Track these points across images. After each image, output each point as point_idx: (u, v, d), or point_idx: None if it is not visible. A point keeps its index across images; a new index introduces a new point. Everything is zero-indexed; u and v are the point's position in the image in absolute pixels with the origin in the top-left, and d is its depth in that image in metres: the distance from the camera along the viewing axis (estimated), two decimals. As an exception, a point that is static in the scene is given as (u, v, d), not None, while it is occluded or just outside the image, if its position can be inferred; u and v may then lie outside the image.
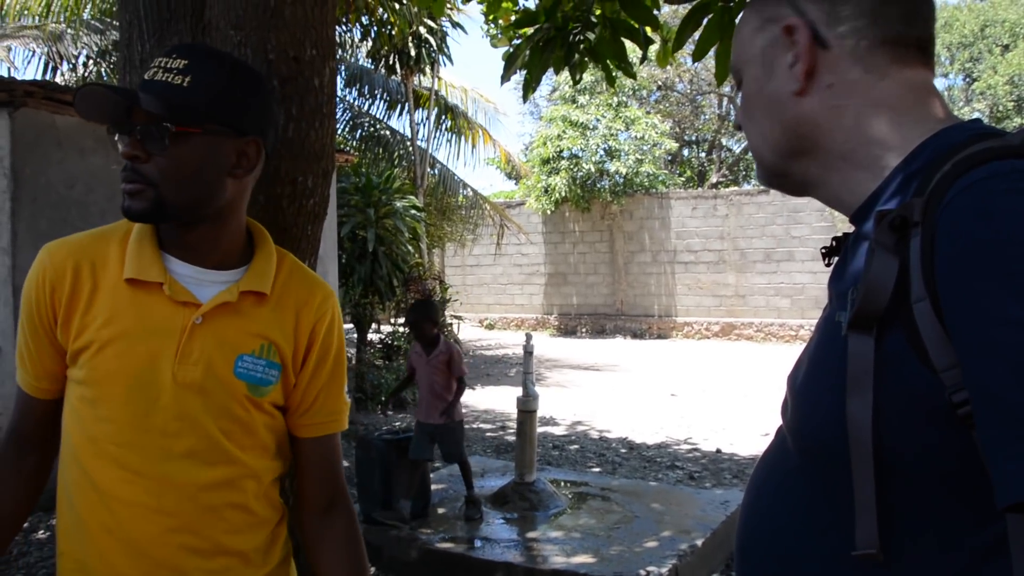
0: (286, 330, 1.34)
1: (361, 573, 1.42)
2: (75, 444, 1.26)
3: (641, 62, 4.20)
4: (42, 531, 5.31)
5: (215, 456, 1.27)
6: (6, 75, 9.40)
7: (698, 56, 3.33)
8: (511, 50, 6.04)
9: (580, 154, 18.31)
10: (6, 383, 6.04)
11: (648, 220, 18.60)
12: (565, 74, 3.84)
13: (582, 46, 3.80)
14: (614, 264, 18.92)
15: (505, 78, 3.61)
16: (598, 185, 18.29)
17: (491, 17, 6.49)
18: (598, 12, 3.70)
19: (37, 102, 6.07)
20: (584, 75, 3.99)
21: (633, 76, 3.86)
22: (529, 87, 3.76)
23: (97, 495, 1.24)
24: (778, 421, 0.97)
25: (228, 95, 1.24)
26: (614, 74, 3.80)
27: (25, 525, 5.37)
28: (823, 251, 0.99)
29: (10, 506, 1.34)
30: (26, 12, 11.06)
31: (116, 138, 1.21)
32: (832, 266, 0.97)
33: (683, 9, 3.49)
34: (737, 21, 1.00)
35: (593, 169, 18.05)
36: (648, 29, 3.67)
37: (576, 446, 7.48)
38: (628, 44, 3.75)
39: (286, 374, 1.34)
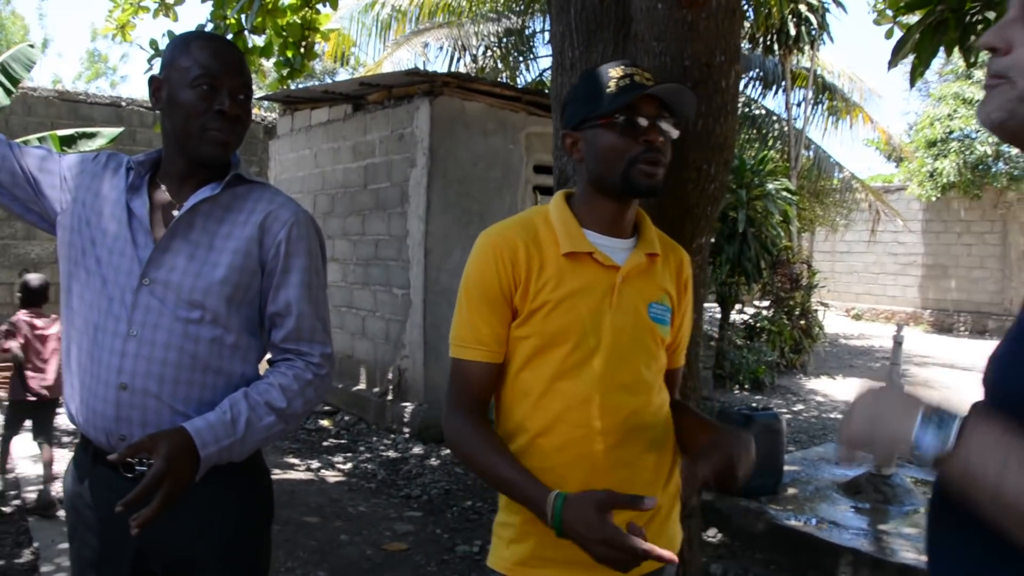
0: (673, 281, 1.69)
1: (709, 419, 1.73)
2: (529, 383, 1.57)
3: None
4: (433, 459, 6.15)
5: (639, 387, 1.59)
6: (422, 67, 10.69)
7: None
8: (893, 28, 5.82)
9: (973, 135, 16.49)
10: (412, 332, 7.02)
11: (1052, 210, 16.51)
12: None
13: (979, 27, 3.62)
14: (1006, 258, 16.99)
15: (892, 64, 3.55)
16: (992, 170, 16.43)
17: (879, -8, 6.24)
18: (1000, -11, 3.52)
19: (452, 90, 6.95)
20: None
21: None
22: (917, 72, 3.66)
23: (550, 421, 1.55)
24: None
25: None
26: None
27: (420, 451, 6.27)
28: None
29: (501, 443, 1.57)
30: (437, 10, 12.46)
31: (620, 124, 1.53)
32: None
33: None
34: None
35: (988, 152, 16.15)
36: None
37: (943, 448, 7.04)
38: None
39: (673, 317, 1.68)
